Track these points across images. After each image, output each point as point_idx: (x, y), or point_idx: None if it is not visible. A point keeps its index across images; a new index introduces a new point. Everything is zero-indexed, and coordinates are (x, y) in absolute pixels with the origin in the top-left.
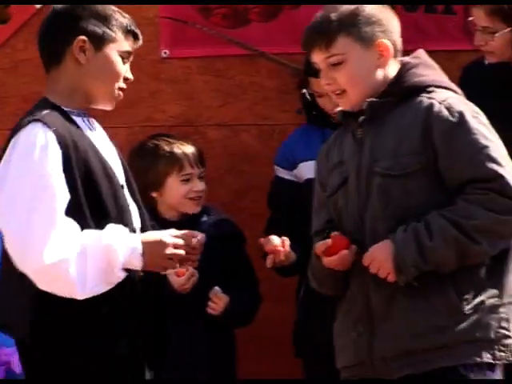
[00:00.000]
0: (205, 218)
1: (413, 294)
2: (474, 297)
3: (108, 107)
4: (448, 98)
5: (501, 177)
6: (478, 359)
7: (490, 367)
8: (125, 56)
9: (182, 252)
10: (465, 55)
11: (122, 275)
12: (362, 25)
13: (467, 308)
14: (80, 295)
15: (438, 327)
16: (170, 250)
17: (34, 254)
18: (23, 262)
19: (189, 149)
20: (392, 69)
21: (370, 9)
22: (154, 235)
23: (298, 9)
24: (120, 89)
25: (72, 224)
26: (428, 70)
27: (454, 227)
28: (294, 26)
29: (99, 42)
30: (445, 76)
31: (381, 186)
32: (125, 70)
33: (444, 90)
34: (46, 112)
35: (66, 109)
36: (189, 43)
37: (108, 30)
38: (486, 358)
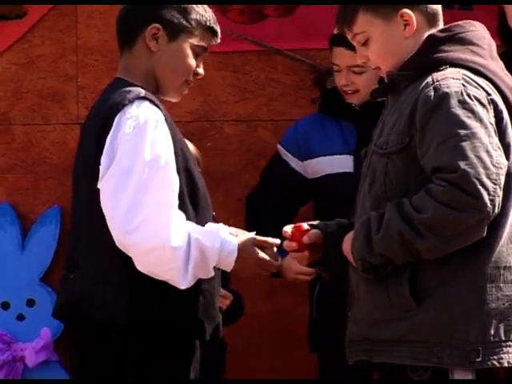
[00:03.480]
0: None
1: (374, 281)
2: (431, 294)
3: (174, 99)
4: (445, 78)
5: (461, 169)
6: (422, 363)
7: (441, 371)
8: (199, 51)
9: (276, 264)
10: None
11: (212, 273)
12: None
13: (421, 305)
14: (181, 284)
15: (390, 320)
16: (265, 258)
17: (150, 233)
18: (130, 239)
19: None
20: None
21: None
22: (249, 239)
23: (314, 4)
24: (187, 82)
25: (180, 212)
26: (456, 45)
27: (402, 220)
28: (310, 22)
29: (174, 32)
30: (482, 53)
31: (372, 163)
32: (195, 64)
33: (456, 69)
34: (144, 91)
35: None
36: None
37: (185, 23)
38: (432, 362)
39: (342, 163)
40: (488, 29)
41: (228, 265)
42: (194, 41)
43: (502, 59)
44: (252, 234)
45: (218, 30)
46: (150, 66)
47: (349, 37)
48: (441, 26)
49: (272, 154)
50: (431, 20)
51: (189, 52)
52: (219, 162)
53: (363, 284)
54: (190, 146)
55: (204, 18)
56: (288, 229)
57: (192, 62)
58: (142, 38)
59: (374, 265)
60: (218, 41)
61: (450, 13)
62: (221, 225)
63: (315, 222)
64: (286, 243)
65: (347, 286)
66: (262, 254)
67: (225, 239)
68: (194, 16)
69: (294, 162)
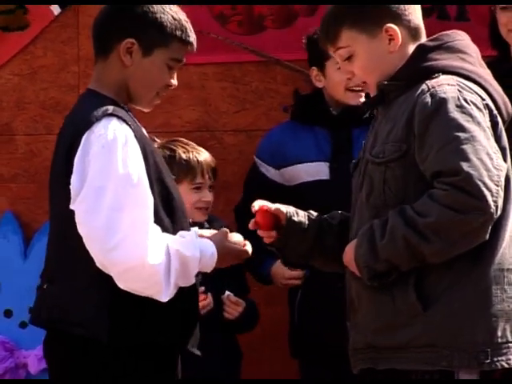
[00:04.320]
0: (207, 226)
1: (379, 288)
2: (437, 299)
3: (145, 109)
4: (441, 85)
5: (464, 172)
6: (432, 367)
7: (448, 374)
8: (173, 64)
9: (247, 250)
10: None
11: (193, 282)
12: (364, 13)
13: (428, 310)
14: (163, 297)
15: (396, 326)
16: (239, 249)
17: (128, 252)
18: (109, 259)
19: (205, 158)
20: (409, 51)
21: None
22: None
23: (313, 16)
24: (158, 94)
25: (156, 226)
26: (446, 53)
27: (406, 225)
28: (308, 33)
29: (149, 47)
30: (472, 61)
31: (368, 172)
32: (169, 77)
33: (449, 76)
34: (113, 107)
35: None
36: (205, 50)
37: (160, 37)
38: (442, 365)
39: (317, 171)
40: (486, 40)
41: (209, 267)
42: (169, 54)
43: (488, 67)
44: (222, 230)
45: (194, 40)
46: (122, 79)
47: (331, 52)
48: (424, 38)
49: None
50: (414, 34)
51: (162, 66)
52: (219, 172)
53: (366, 292)
54: (206, 156)
55: (179, 32)
56: (256, 205)
57: (164, 76)
58: (116, 51)
59: (379, 272)
60: (194, 49)
61: (446, 24)
62: (193, 230)
63: (287, 207)
64: (251, 223)
65: (331, 299)
66: (234, 246)
67: (203, 245)
68: (169, 30)
69: (269, 171)
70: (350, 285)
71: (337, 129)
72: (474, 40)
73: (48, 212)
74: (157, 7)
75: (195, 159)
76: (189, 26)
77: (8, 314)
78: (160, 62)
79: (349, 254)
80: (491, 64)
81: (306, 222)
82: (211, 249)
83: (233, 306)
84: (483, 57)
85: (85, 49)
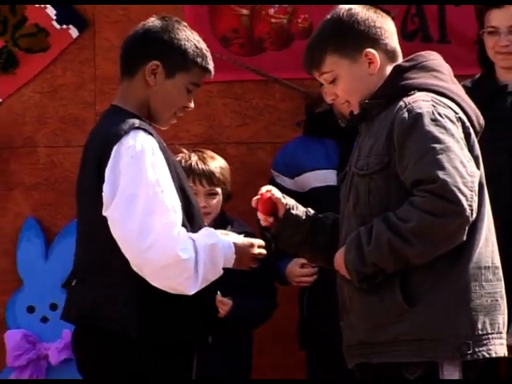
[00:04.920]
0: (228, 229)
1: (368, 290)
2: (421, 297)
3: (161, 127)
4: (416, 101)
5: (440, 179)
6: (419, 359)
7: (432, 366)
8: (192, 88)
9: (265, 252)
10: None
11: (221, 272)
12: (345, 40)
13: (413, 308)
14: (191, 291)
15: (385, 324)
16: (256, 250)
17: (163, 251)
18: (146, 258)
19: (200, 165)
20: (387, 72)
21: (353, 19)
22: (243, 238)
23: (309, 38)
24: (175, 114)
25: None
26: (420, 72)
27: (390, 230)
28: None
29: (172, 70)
30: (444, 78)
31: (354, 184)
32: (187, 100)
33: (424, 92)
34: (139, 121)
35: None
36: None
37: (183, 62)
38: (428, 357)
39: (325, 177)
40: (465, 60)
41: (230, 258)
42: (189, 79)
43: (476, 83)
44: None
45: (212, 67)
46: (144, 97)
47: (316, 76)
48: (400, 59)
49: (270, 173)
50: (392, 56)
51: (182, 89)
52: None
53: (356, 294)
54: (203, 164)
55: (200, 59)
56: (263, 189)
57: (183, 98)
58: (141, 72)
59: (367, 275)
60: (212, 76)
61: (429, 46)
62: (212, 229)
63: (289, 199)
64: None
65: (337, 295)
66: (255, 250)
67: (221, 235)
68: (191, 56)
69: (285, 181)
70: (341, 287)
71: (344, 140)
72: (454, 60)
73: (66, 217)
74: (182, 35)
75: (187, 165)
76: (209, 55)
77: (31, 309)
78: (180, 85)
79: (339, 259)
80: (479, 80)
81: (303, 217)
82: (227, 241)
83: (219, 304)
84: (464, 75)
85: (101, 68)
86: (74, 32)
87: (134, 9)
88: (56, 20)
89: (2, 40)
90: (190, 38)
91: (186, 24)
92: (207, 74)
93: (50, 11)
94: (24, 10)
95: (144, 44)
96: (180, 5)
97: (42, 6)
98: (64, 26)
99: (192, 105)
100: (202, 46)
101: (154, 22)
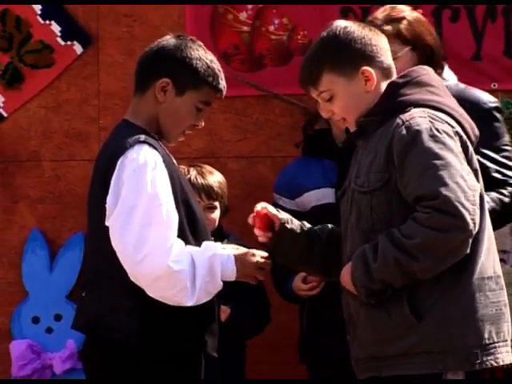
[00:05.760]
0: (225, 242)
1: (375, 305)
2: (428, 311)
3: (169, 143)
4: (414, 117)
5: (442, 195)
6: (430, 371)
7: (437, 376)
8: (202, 106)
9: (270, 262)
10: None
11: (221, 285)
12: (342, 58)
13: (421, 321)
14: (189, 302)
15: (393, 338)
16: (260, 259)
17: (155, 263)
18: (139, 270)
19: (198, 180)
20: (383, 89)
21: (350, 38)
22: (242, 248)
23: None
24: (184, 132)
25: (179, 240)
26: (415, 88)
27: (395, 247)
28: None
29: (182, 88)
30: (439, 93)
31: (355, 200)
32: (196, 118)
33: (420, 109)
34: (144, 135)
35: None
36: None
37: (194, 81)
38: (439, 368)
39: (324, 195)
40: (462, 76)
41: (230, 270)
42: (199, 97)
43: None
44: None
45: (224, 87)
46: (154, 113)
47: (313, 95)
48: (395, 76)
49: (270, 186)
50: (387, 73)
51: (191, 108)
52: None
53: (363, 309)
54: (208, 179)
55: (211, 79)
56: (259, 207)
57: (192, 117)
58: (152, 88)
59: (375, 290)
60: (223, 96)
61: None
62: (212, 243)
63: (284, 214)
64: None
65: (337, 310)
66: (255, 258)
67: (220, 248)
68: (202, 75)
69: (287, 202)
70: (347, 302)
71: (342, 159)
72: None
73: (71, 230)
74: (195, 54)
75: (191, 179)
76: (221, 74)
77: (36, 320)
78: (190, 103)
79: (345, 276)
80: None
81: (298, 231)
82: (226, 254)
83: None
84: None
85: (104, 84)
86: (78, 48)
87: (138, 26)
88: (60, 36)
89: (7, 56)
90: (203, 57)
91: (200, 43)
92: (218, 93)
93: (55, 28)
94: (29, 27)
95: (156, 61)
96: (182, 21)
97: (47, 22)
98: (68, 43)
99: (202, 123)
100: (215, 65)
101: (168, 40)
